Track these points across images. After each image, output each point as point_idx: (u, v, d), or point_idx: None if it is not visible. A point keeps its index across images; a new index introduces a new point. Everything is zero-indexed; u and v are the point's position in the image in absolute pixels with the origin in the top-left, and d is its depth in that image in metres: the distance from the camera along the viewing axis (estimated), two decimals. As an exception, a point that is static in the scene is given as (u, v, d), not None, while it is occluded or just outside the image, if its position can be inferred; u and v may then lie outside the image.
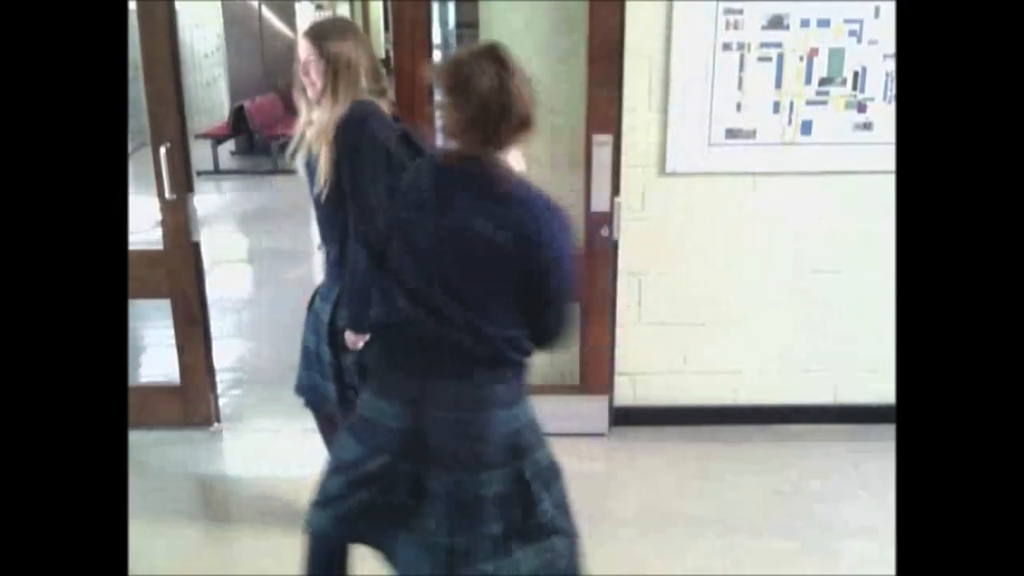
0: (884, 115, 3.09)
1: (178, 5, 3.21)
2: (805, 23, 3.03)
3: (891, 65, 3.06)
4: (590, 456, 3.28)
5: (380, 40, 15.22)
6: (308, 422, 2.74)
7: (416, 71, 3.09)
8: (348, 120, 2.21)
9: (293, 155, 2.37)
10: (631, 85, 3.08)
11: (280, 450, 3.30)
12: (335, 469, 1.77)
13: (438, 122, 1.78)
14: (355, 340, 2.32)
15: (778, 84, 3.08)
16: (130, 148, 5.34)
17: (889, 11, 3.01)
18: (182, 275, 3.28)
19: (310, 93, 2.30)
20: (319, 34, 2.30)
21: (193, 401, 3.45)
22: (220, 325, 4.31)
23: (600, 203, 3.14)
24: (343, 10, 14.75)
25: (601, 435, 3.38)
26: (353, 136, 2.21)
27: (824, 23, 3.03)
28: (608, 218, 3.16)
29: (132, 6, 3.09)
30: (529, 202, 1.69)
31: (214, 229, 6.71)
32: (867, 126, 3.11)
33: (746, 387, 3.42)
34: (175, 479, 3.14)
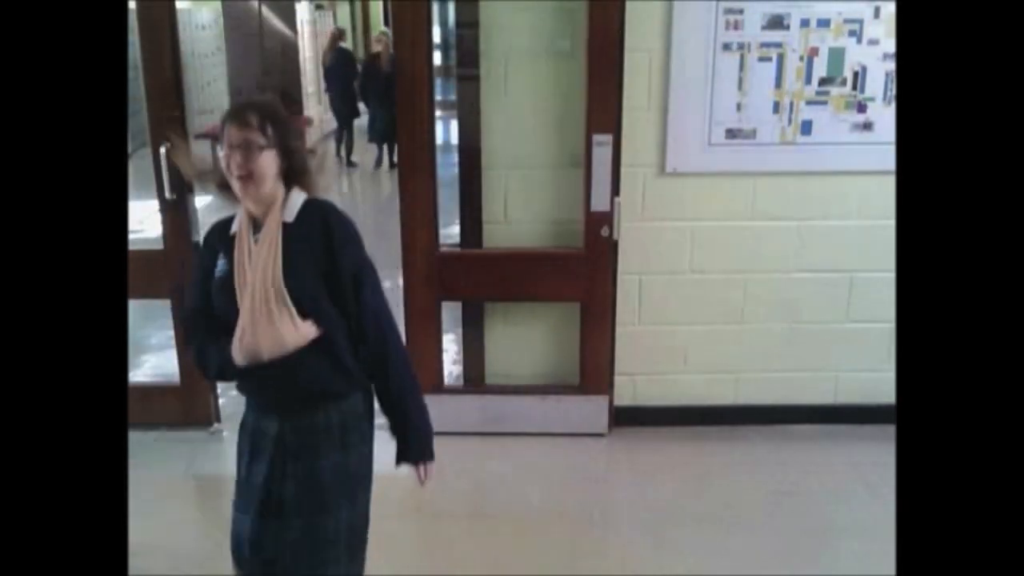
0: (884, 115, 3.09)
1: (178, 5, 3.21)
2: (805, 23, 3.03)
3: (891, 65, 3.06)
4: (590, 456, 3.28)
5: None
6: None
7: (416, 71, 3.10)
8: None
9: None
10: (631, 85, 3.08)
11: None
12: None
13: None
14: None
15: (778, 84, 3.08)
16: (130, 148, 5.35)
17: (889, 11, 3.01)
18: (182, 275, 3.28)
19: None
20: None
21: (193, 401, 3.45)
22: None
23: (600, 203, 3.14)
24: (343, 10, 14.78)
25: (601, 435, 3.39)
26: None
27: (824, 23, 3.03)
28: (608, 218, 3.16)
29: (132, 6, 3.09)
30: None
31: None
32: (867, 126, 3.11)
33: (746, 387, 3.42)
34: (175, 479, 3.14)
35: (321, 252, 1.83)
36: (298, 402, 1.88)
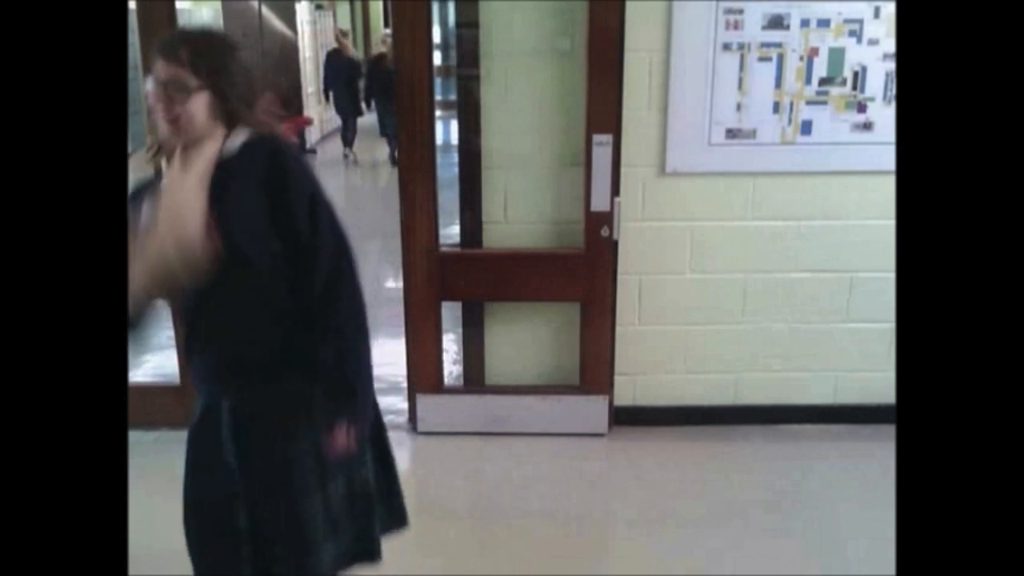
0: (884, 115, 3.09)
1: (178, 5, 3.21)
2: (805, 23, 3.03)
3: (891, 65, 3.06)
4: (590, 456, 3.28)
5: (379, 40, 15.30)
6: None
7: (416, 71, 3.09)
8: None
9: None
10: (631, 85, 3.08)
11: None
12: None
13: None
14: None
15: (778, 84, 3.08)
16: (130, 148, 5.36)
17: (889, 11, 3.01)
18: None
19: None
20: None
21: (193, 401, 3.44)
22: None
23: (600, 203, 3.14)
24: (343, 10, 14.78)
25: (601, 435, 3.39)
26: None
27: (824, 23, 3.03)
28: (608, 218, 3.16)
29: (132, 6, 3.09)
30: None
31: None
32: (867, 126, 3.11)
33: (746, 387, 3.42)
34: (175, 479, 3.13)
35: (268, 190, 1.55)
36: (251, 368, 1.65)
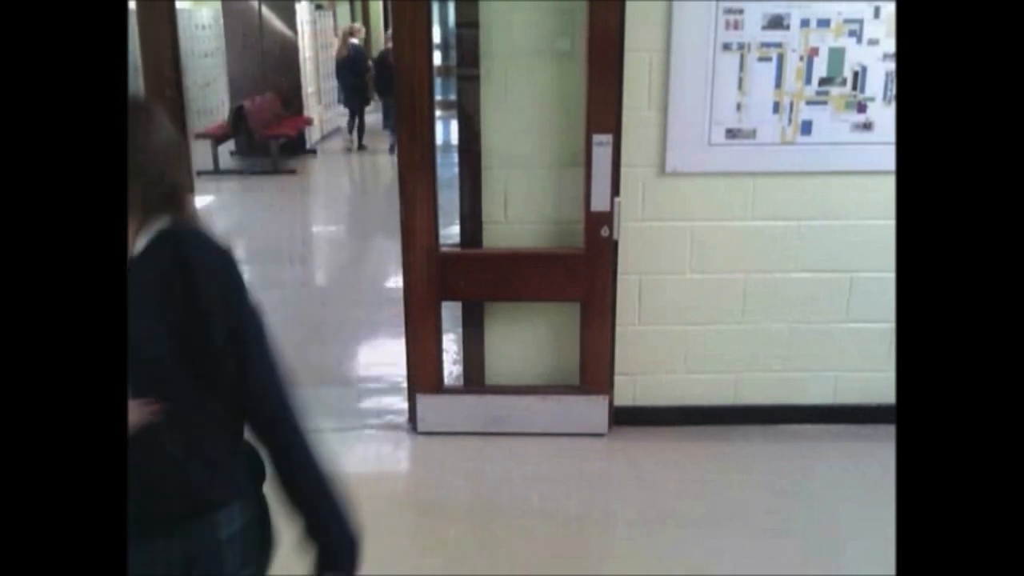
0: (884, 115, 3.09)
1: (178, 5, 3.22)
2: (805, 23, 3.03)
3: (891, 65, 3.06)
4: (590, 456, 3.28)
5: (380, 39, 15.31)
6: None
7: (416, 71, 3.10)
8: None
9: None
10: (631, 85, 3.08)
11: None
12: None
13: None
14: None
15: (778, 84, 3.08)
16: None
17: (889, 11, 3.01)
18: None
19: None
20: None
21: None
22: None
23: (600, 203, 3.14)
24: (343, 10, 14.80)
25: (601, 435, 3.39)
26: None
27: (824, 23, 3.03)
28: (608, 218, 3.16)
29: (132, 6, 3.10)
30: None
31: (213, 229, 6.72)
32: (867, 126, 3.11)
33: (746, 387, 3.42)
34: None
35: (175, 298, 1.25)
36: (146, 523, 1.30)
